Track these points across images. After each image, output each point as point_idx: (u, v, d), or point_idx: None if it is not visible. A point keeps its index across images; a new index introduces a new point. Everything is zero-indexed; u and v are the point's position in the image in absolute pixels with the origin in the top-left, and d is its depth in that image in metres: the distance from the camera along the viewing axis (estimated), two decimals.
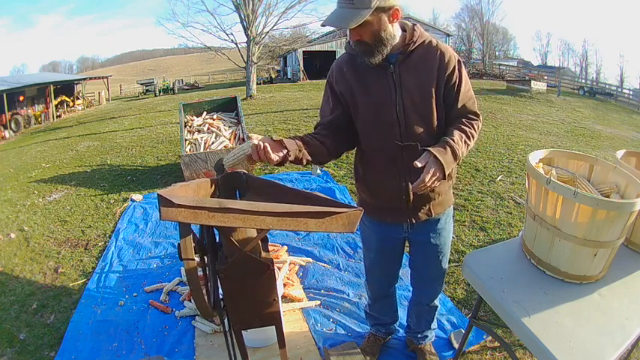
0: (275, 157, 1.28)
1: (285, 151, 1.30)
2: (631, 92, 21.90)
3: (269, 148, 1.25)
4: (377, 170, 1.49)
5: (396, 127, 1.39)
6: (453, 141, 1.32)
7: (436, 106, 1.41)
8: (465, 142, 1.36)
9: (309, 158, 1.37)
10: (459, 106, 1.42)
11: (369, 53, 1.33)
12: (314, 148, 1.38)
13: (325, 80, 1.57)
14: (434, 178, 1.26)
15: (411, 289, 2.39)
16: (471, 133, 1.39)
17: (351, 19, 1.23)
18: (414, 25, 1.41)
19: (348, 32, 1.35)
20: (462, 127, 1.39)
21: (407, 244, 1.71)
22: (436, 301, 1.85)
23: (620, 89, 23.45)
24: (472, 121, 1.43)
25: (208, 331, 2.17)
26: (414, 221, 1.54)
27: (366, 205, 1.60)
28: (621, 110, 16.45)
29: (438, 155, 1.26)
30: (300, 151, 1.34)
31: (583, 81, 30.49)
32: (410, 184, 1.41)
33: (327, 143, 1.42)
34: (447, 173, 1.27)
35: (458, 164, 1.43)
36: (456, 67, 1.39)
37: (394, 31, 1.33)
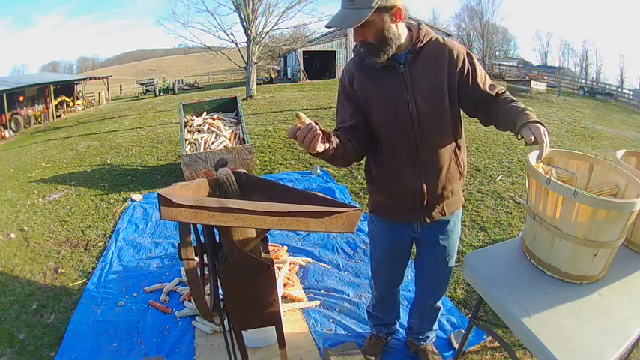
0: (320, 147, 1.20)
1: (328, 145, 1.25)
2: (631, 92, 21.89)
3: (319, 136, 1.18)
4: (392, 170, 1.48)
5: (410, 125, 1.40)
6: (523, 106, 1.33)
7: (449, 103, 1.41)
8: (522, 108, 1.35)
9: (342, 156, 1.35)
10: (485, 89, 1.41)
11: (374, 53, 1.34)
12: (347, 146, 1.36)
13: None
14: (547, 134, 1.23)
15: (412, 288, 2.41)
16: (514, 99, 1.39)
17: (353, 19, 1.25)
18: (420, 24, 1.42)
19: (352, 34, 1.36)
20: (509, 99, 1.39)
21: (414, 244, 1.71)
22: (439, 302, 1.85)
23: (620, 89, 23.45)
24: (507, 93, 1.44)
25: (208, 331, 2.17)
26: (427, 221, 1.54)
27: (378, 205, 1.62)
28: (621, 110, 16.44)
29: (530, 119, 1.24)
30: (339, 147, 1.31)
31: (583, 81, 30.49)
32: (425, 184, 1.45)
33: (353, 142, 1.40)
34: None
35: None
36: (466, 60, 1.40)
37: (399, 31, 1.33)
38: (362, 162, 1.61)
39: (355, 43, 1.43)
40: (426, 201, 1.49)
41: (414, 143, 1.41)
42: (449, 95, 1.40)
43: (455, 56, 1.39)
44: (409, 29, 1.40)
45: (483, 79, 1.43)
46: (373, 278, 1.86)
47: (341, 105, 1.52)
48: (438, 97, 1.40)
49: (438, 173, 1.47)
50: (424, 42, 1.38)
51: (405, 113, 1.39)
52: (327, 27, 1.35)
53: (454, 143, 1.48)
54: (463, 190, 4.13)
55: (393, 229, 1.63)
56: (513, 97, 1.43)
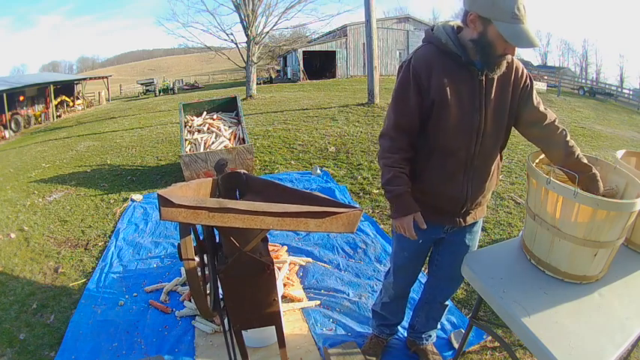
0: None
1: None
2: (631, 92, 21.93)
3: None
4: (444, 173, 1.46)
5: (474, 133, 1.40)
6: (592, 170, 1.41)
7: (508, 118, 1.45)
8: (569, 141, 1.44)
9: None
10: (540, 110, 1.45)
11: (504, 66, 1.34)
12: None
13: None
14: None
15: (413, 288, 2.41)
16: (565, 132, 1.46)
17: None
18: None
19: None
20: (575, 150, 1.43)
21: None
22: (448, 300, 1.87)
23: (620, 89, 23.47)
24: (567, 133, 1.46)
25: (208, 331, 2.17)
26: (462, 224, 1.57)
27: (417, 204, 1.57)
28: (621, 110, 16.44)
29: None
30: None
31: (583, 81, 30.49)
32: (471, 190, 1.48)
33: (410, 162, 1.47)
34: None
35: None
36: (528, 80, 1.45)
37: None
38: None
39: (431, 27, 1.42)
40: (466, 207, 1.51)
41: (472, 151, 1.42)
42: (509, 111, 1.43)
43: (520, 74, 1.43)
44: None
45: (538, 99, 1.48)
46: (394, 277, 1.82)
47: (407, 94, 1.40)
48: (503, 111, 1.42)
49: (483, 182, 1.50)
50: None
51: (475, 121, 1.39)
52: (519, 46, 1.27)
53: (499, 155, 1.53)
54: None
55: (425, 230, 1.59)
56: (567, 132, 1.46)
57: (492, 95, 1.39)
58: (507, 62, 1.37)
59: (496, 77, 1.38)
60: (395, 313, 1.95)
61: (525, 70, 1.46)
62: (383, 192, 1.41)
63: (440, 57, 1.37)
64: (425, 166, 1.48)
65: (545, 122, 1.45)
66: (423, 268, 1.93)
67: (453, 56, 1.36)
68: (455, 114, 1.37)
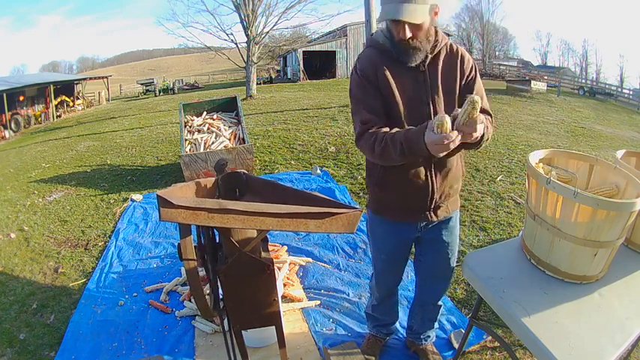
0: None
1: None
2: (631, 92, 21.91)
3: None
4: (406, 169, 1.45)
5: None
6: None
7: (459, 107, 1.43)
8: (487, 126, 1.30)
9: None
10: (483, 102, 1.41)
11: (415, 52, 1.34)
12: None
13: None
14: (477, 134, 1.17)
15: (411, 288, 2.41)
16: (489, 122, 1.36)
17: (419, 14, 1.24)
18: (435, 27, 1.40)
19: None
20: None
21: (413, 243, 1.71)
22: (441, 301, 1.87)
23: (620, 89, 23.45)
24: (488, 115, 1.41)
25: (208, 331, 2.17)
26: (434, 219, 1.56)
27: (384, 205, 1.59)
28: (621, 110, 16.44)
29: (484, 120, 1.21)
30: None
31: (583, 81, 30.44)
32: (436, 183, 1.46)
33: None
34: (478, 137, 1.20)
35: (479, 146, 1.35)
36: (473, 70, 1.45)
37: (432, 31, 1.36)
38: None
39: (371, 34, 1.45)
40: (435, 200, 1.51)
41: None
42: (459, 101, 1.43)
43: (465, 64, 1.43)
44: None
45: (480, 88, 1.47)
46: (375, 281, 1.84)
47: (365, 93, 1.41)
48: (452, 100, 1.42)
49: (447, 172, 1.49)
50: (441, 45, 1.40)
51: (424, 114, 1.39)
52: (383, 20, 1.29)
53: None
54: (462, 190, 4.14)
55: (398, 230, 1.62)
56: (488, 118, 1.40)
57: (439, 86, 1.40)
58: (447, 49, 1.40)
59: (440, 68, 1.39)
60: (387, 314, 1.95)
61: (471, 60, 1.47)
62: (406, 156, 1.28)
63: (381, 57, 1.41)
64: (387, 166, 1.46)
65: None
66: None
67: (391, 54, 1.39)
68: (404, 109, 1.39)
